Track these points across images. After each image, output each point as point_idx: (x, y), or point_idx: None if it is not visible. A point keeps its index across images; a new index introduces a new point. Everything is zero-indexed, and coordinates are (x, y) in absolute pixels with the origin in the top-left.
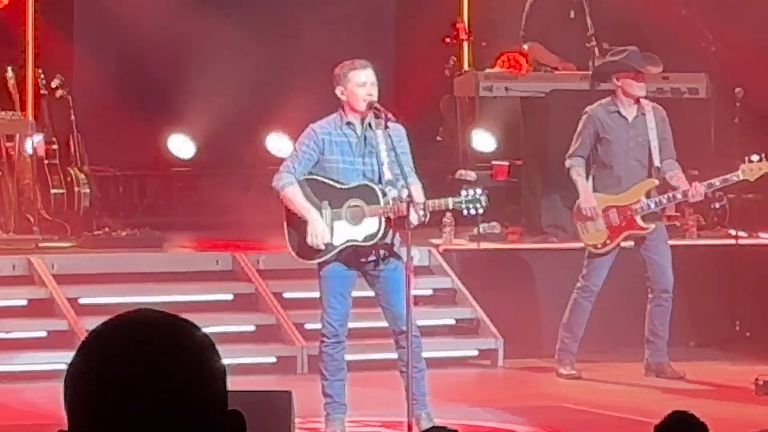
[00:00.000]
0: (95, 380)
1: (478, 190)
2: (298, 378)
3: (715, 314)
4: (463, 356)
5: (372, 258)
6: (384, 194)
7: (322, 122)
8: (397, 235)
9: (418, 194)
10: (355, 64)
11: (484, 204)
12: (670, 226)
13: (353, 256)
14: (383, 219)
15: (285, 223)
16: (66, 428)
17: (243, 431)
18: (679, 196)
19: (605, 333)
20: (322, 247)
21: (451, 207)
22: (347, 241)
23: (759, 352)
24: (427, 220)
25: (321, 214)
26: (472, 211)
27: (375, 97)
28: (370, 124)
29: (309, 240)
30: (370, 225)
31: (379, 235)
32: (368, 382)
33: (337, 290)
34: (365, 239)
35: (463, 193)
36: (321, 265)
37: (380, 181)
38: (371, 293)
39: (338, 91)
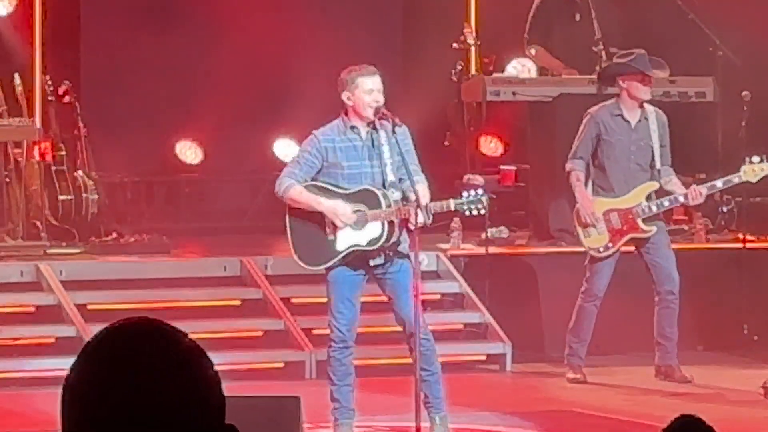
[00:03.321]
0: (90, 388)
1: (480, 191)
2: (306, 383)
3: (723, 318)
4: (471, 360)
5: (379, 261)
6: (386, 197)
7: (324, 129)
8: (404, 236)
9: (424, 192)
10: (363, 71)
11: (485, 204)
12: (678, 230)
13: (360, 260)
14: (386, 222)
15: (289, 231)
16: None
17: None
18: (681, 199)
19: (614, 337)
20: (354, 220)
21: (453, 208)
22: (351, 247)
23: (767, 356)
24: (429, 222)
25: (324, 220)
26: (474, 212)
27: (381, 104)
28: (375, 128)
29: (340, 223)
30: (374, 229)
31: (383, 238)
32: (377, 387)
33: (345, 295)
34: (369, 243)
35: (465, 194)
36: (329, 269)
37: (384, 184)
38: (379, 298)
39: (344, 96)
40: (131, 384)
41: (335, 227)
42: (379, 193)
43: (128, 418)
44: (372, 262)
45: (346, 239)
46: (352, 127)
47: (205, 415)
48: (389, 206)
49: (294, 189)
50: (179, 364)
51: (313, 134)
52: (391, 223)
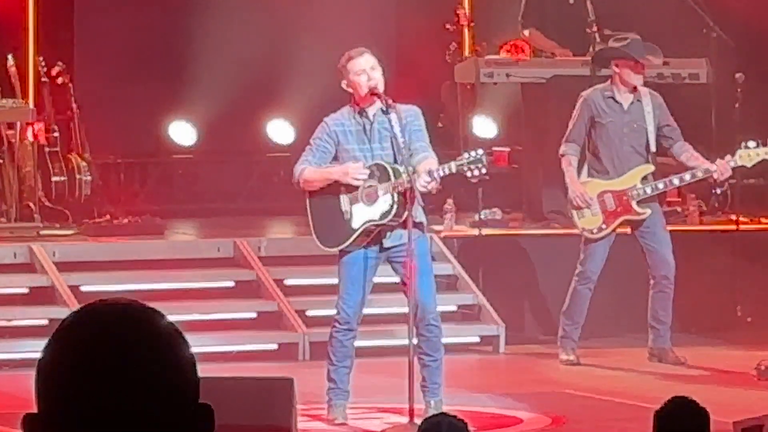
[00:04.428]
0: (63, 369)
1: (480, 151)
2: (300, 365)
3: (717, 300)
4: (464, 342)
5: (394, 242)
6: (395, 170)
7: (335, 114)
8: (418, 209)
9: (433, 166)
10: (350, 54)
11: (485, 163)
12: (671, 212)
13: (375, 242)
14: (396, 195)
15: (309, 212)
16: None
17: (210, 424)
18: (676, 182)
19: (608, 319)
20: (367, 174)
21: (454, 170)
22: (365, 222)
23: (760, 338)
24: (435, 186)
25: (339, 200)
26: (476, 172)
27: (376, 81)
28: (382, 110)
29: (354, 180)
30: (384, 202)
31: (393, 210)
32: (373, 369)
33: (356, 277)
34: (381, 217)
35: (465, 155)
36: (342, 251)
37: (396, 163)
38: (377, 279)
39: (343, 84)
40: (102, 365)
41: (351, 206)
42: (389, 167)
43: (99, 399)
44: (386, 243)
45: (360, 216)
46: (360, 111)
47: (178, 397)
48: (399, 177)
49: (307, 170)
50: (152, 345)
51: (324, 120)
52: (402, 195)
